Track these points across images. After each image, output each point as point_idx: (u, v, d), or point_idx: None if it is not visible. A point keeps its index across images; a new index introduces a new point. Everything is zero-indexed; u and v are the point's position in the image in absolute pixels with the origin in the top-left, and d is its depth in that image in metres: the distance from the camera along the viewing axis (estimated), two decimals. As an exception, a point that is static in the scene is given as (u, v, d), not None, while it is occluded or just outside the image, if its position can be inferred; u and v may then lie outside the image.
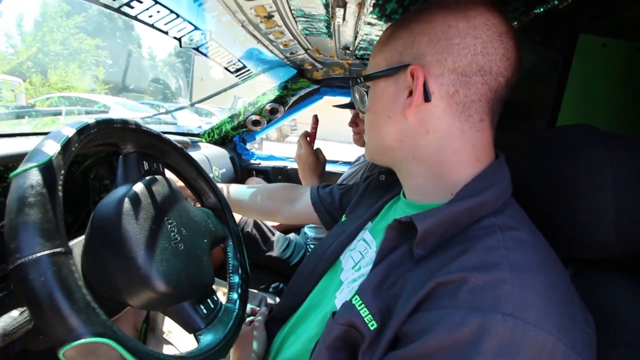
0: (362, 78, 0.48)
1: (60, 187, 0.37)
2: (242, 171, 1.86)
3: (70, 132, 0.42)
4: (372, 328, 0.37)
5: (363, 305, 0.39)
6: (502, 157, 0.45)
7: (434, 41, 0.41)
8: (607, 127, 0.47)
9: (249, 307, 0.75)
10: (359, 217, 0.62)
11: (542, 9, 0.72)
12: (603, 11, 0.60)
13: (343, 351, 0.40)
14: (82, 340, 0.32)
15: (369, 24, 0.96)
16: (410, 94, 0.42)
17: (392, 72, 0.44)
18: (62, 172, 0.39)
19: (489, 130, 0.43)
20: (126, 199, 0.48)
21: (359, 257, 0.53)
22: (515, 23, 0.88)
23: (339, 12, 0.86)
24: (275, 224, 1.49)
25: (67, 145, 0.41)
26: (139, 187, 0.50)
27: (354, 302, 0.40)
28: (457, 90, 0.41)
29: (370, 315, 0.38)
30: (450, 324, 0.31)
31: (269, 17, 0.87)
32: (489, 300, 0.31)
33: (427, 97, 0.41)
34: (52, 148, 0.39)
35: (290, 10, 0.87)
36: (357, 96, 0.53)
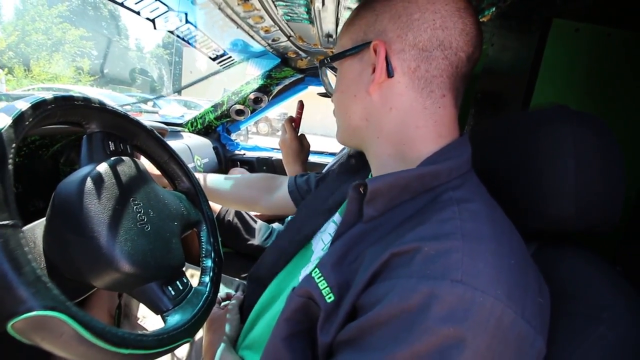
0: (329, 59, 0.49)
1: (10, 161, 0.36)
2: (226, 162, 1.84)
3: (24, 106, 0.41)
4: (329, 301, 0.37)
5: (322, 278, 0.39)
6: (466, 135, 0.45)
7: (395, 17, 0.41)
8: (578, 109, 0.48)
9: (225, 291, 0.74)
10: (328, 199, 0.61)
11: (518, -6, 0.72)
12: (574, -6, 0.61)
13: (302, 324, 0.40)
14: (31, 314, 0.31)
15: (349, 8, 0.95)
16: (374, 70, 0.43)
17: (357, 50, 0.44)
18: (13, 145, 0.37)
19: (451, 107, 0.43)
20: (89, 179, 0.46)
21: (328, 239, 0.53)
22: (494, 9, 0.89)
23: (318, -5, 0.85)
24: (259, 212, 1.48)
25: (19, 119, 0.39)
26: (102, 167, 0.49)
27: (313, 274, 0.40)
28: (418, 66, 0.41)
29: (328, 288, 0.38)
30: (401, 293, 0.31)
31: (246, -1, 0.86)
32: (439, 268, 0.31)
33: (389, 73, 0.42)
34: (2, 121, 0.37)
35: (268, -8, 0.86)
36: (325, 79, 0.55)
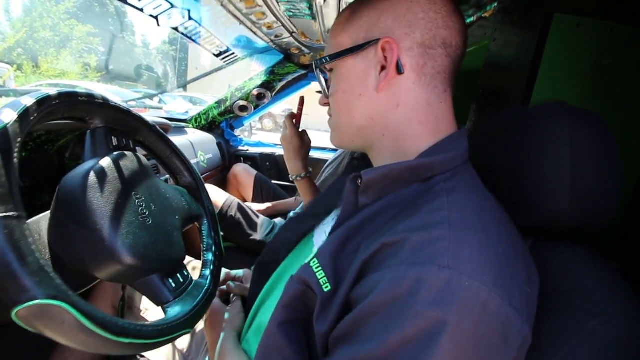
0: (327, 58, 0.47)
1: (15, 155, 0.37)
2: (229, 157, 1.85)
3: (29, 101, 0.42)
4: (325, 290, 0.38)
5: (320, 267, 0.39)
6: (464, 129, 0.46)
7: (400, 17, 0.42)
8: (579, 106, 0.48)
9: (224, 271, 0.75)
10: (332, 196, 0.62)
11: (520, -12, 0.72)
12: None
13: (299, 312, 0.41)
14: (35, 302, 0.32)
15: (351, 4, 0.95)
16: (382, 69, 0.43)
17: (360, 48, 0.44)
18: (19, 140, 0.38)
19: (450, 102, 0.45)
20: (92, 173, 0.48)
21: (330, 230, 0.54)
22: (496, 4, 0.88)
23: (319, -9, 0.86)
24: (261, 208, 1.49)
25: (24, 114, 0.40)
26: (105, 161, 0.50)
27: (311, 264, 0.40)
28: (425, 63, 0.43)
29: (325, 278, 0.38)
30: (391, 280, 0.32)
31: (248, -5, 0.86)
32: (427, 255, 0.32)
33: (399, 70, 0.42)
34: (8, 116, 0.39)
35: (270, -11, 0.86)
36: (321, 78, 0.52)
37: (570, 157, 0.42)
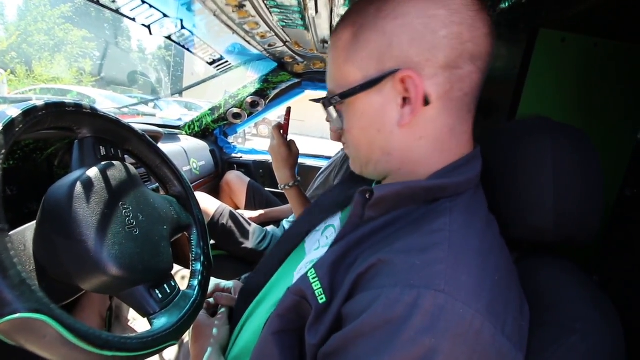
0: (337, 98, 0.42)
1: None
2: (222, 164, 1.85)
3: (15, 112, 0.42)
4: (321, 301, 0.37)
5: (317, 278, 0.39)
6: (478, 148, 0.44)
7: (417, 39, 0.36)
8: (564, 120, 0.48)
9: (214, 283, 0.74)
10: (327, 204, 0.62)
11: (507, 3, 0.74)
12: (560, 5, 0.62)
13: (293, 323, 0.40)
14: (16, 315, 0.32)
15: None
16: (404, 101, 0.39)
17: (375, 84, 0.39)
18: (3, 152, 0.38)
19: (471, 121, 0.42)
20: (78, 183, 0.47)
21: (325, 241, 0.53)
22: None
23: (311, 3, 0.87)
24: (254, 215, 1.49)
25: (9, 125, 0.40)
26: (93, 171, 0.50)
27: (308, 274, 0.40)
28: (452, 87, 0.38)
29: (321, 289, 0.38)
30: (386, 302, 0.31)
31: (240, 6, 0.87)
32: (424, 277, 0.31)
33: (425, 102, 0.38)
34: (-8, 128, 0.39)
35: (263, 0, 0.87)
36: (333, 115, 0.45)
37: (554, 175, 0.42)
